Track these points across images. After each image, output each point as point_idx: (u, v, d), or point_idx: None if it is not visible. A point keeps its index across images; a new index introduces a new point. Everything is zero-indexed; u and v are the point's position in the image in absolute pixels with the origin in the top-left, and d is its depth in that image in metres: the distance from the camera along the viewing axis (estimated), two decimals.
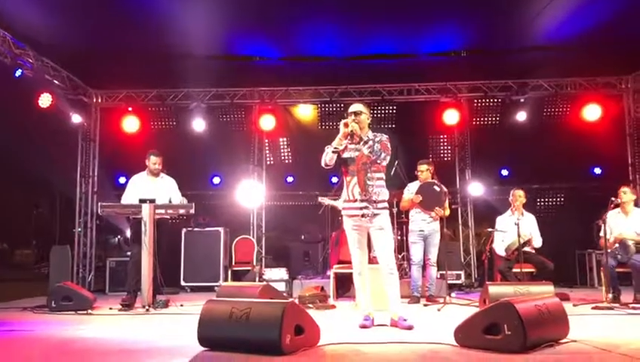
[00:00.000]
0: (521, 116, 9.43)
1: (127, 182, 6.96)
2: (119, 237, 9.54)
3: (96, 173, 9.94)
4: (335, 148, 4.70)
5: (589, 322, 4.86)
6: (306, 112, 10.24)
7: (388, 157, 4.74)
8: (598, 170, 10.23)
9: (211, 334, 3.37)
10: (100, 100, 10.03)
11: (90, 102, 9.85)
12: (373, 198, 4.68)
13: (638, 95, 9.52)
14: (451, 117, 9.46)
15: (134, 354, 3.64)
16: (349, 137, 4.72)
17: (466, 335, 3.49)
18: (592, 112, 9.36)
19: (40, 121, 8.74)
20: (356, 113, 4.77)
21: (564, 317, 3.65)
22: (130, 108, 9.73)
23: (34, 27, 7.29)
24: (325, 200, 7.00)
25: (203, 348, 3.46)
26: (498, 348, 3.28)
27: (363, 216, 4.69)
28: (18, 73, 7.90)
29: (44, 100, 8.60)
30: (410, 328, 4.46)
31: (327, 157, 4.72)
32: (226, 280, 8.89)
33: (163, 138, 9.57)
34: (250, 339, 3.21)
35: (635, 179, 9.58)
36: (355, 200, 4.71)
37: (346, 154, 4.80)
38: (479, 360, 3.23)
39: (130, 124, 9.67)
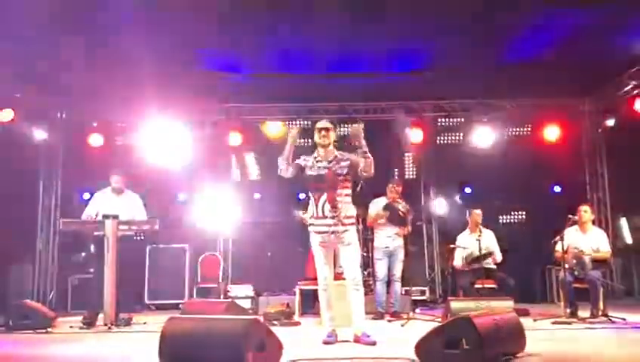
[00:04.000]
0: (484, 135, 9.66)
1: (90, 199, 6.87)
2: (82, 254, 9.35)
3: (59, 189, 9.76)
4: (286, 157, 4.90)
5: (548, 336, 4.98)
6: (273, 129, 10.26)
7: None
8: (557, 189, 10.53)
9: (173, 351, 3.34)
10: (64, 115, 9.87)
11: (54, 117, 9.69)
12: (342, 215, 4.75)
13: (595, 116, 9.85)
14: (416, 135, 9.63)
15: None
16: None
17: (426, 350, 3.54)
18: (552, 132, 9.66)
19: (1, 135, 8.56)
20: (326, 129, 4.87)
21: (521, 331, 3.75)
22: (95, 124, 9.62)
23: None
24: (300, 213, 6.98)
25: None
26: None
27: (333, 233, 4.74)
28: None
29: (5, 115, 8.46)
30: (373, 344, 4.50)
31: (282, 168, 4.95)
32: (191, 297, 8.81)
33: (128, 153, 9.46)
34: (212, 357, 3.20)
35: (593, 197, 9.89)
36: (325, 217, 4.76)
37: (312, 172, 4.85)
38: None
39: (95, 139, 9.56)
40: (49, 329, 5.87)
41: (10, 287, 8.68)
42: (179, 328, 3.39)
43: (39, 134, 9.24)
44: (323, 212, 4.76)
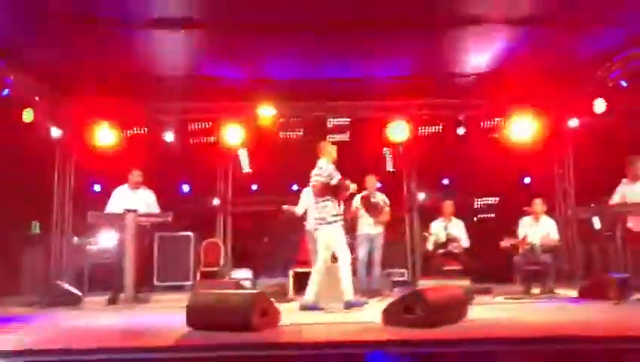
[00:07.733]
0: (461, 131, 10.58)
1: (101, 190, 7.87)
2: (97, 242, 10.28)
3: (72, 181, 10.64)
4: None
5: (493, 308, 6.09)
6: (266, 122, 11.00)
7: None
8: (527, 180, 11.59)
9: (197, 316, 4.38)
10: (75, 112, 10.66)
11: (67, 113, 10.48)
12: None
13: (561, 116, 10.78)
14: (400, 132, 10.57)
15: (135, 334, 4.60)
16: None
17: (389, 314, 4.59)
18: (522, 130, 10.59)
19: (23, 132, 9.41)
20: None
21: (463, 303, 4.81)
22: (105, 122, 10.48)
23: (12, 43, 7.95)
24: (286, 207, 7.97)
25: (189, 328, 4.45)
26: (412, 324, 4.37)
27: None
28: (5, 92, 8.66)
29: (28, 115, 9.33)
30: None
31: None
32: (195, 279, 9.80)
33: (136, 149, 10.34)
34: (228, 321, 4.23)
35: (561, 188, 10.94)
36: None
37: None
38: (393, 331, 4.32)
39: (105, 136, 10.40)
40: (79, 306, 6.88)
41: (25, 271, 9.59)
42: (202, 297, 4.45)
43: (55, 131, 10.09)
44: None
